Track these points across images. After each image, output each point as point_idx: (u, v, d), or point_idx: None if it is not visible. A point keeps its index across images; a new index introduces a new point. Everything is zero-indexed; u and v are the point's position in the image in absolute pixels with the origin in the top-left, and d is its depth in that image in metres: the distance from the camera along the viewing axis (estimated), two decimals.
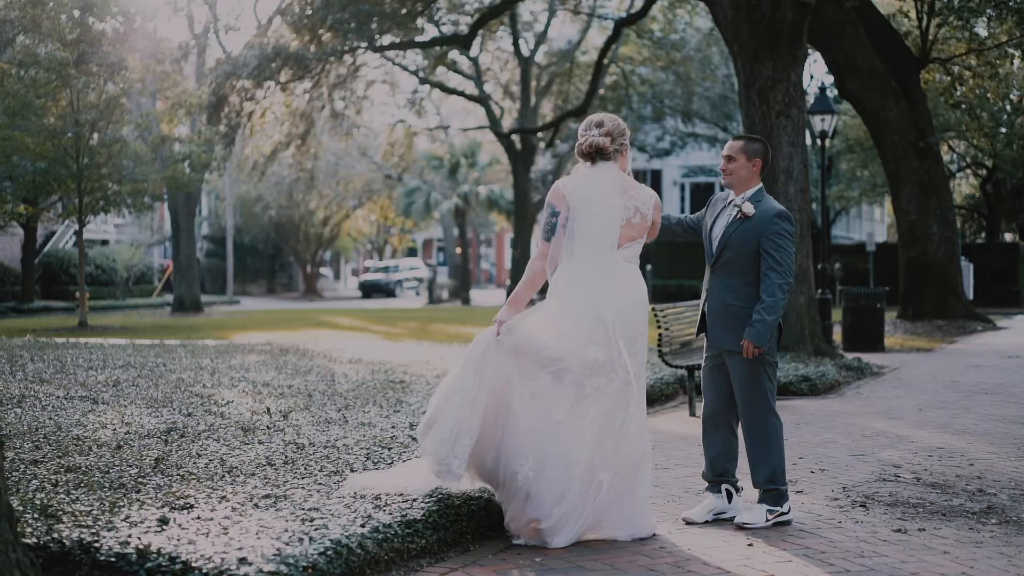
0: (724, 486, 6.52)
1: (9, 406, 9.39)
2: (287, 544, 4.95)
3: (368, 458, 7.11)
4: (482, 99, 42.15)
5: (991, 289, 37.75)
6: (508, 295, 42.67)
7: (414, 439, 7.96)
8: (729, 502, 6.51)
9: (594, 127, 6.18)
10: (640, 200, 6.12)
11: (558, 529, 5.81)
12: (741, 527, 6.27)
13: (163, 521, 5.26)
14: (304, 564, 4.77)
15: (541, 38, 42.83)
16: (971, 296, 32.39)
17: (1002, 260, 39.60)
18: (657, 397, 11.79)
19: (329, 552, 4.94)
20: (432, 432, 5.95)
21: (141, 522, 5.26)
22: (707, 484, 6.61)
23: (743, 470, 6.69)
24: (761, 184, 6.59)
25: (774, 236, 6.33)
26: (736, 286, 6.40)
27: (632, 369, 5.97)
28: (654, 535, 6.06)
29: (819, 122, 22.72)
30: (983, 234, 47.05)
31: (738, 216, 6.41)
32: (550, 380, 5.91)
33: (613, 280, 6.03)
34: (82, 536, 4.96)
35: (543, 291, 6.25)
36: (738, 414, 6.56)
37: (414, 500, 5.89)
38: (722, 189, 6.69)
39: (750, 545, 5.90)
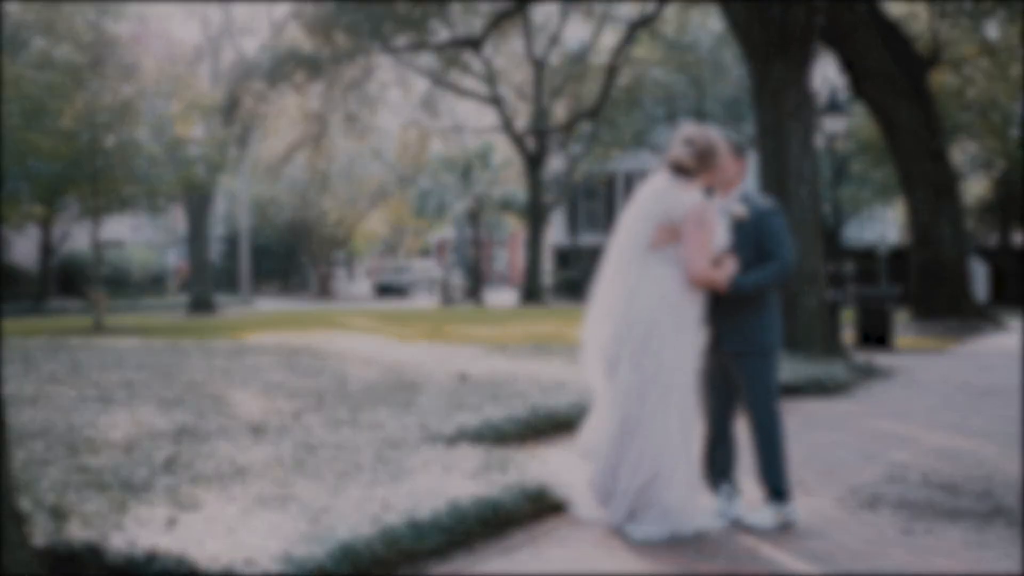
0: (723, 487, 6.53)
1: (23, 406, 9.47)
2: (295, 545, 4.99)
3: (378, 459, 7.14)
4: (495, 101, 42.18)
5: (1004, 291, 37.60)
6: (525, 296, 42.16)
7: (423, 439, 7.99)
8: (728, 503, 6.51)
9: (682, 143, 6.27)
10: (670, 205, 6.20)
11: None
12: (748, 528, 6.28)
13: (172, 521, 5.31)
14: (311, 565, 4.81)
15: (554, 40, 42.84)
16: (984, 298, 32.28)
17: (1015, 261, 39.42)
18: None
19: (336, 553, 4.97)
20: None
21: (150, 522, 5.30)
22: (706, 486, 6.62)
23: (747, 471, 6.70)
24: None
25: (770, 235, 6.36)
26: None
27: (650, 368, 6.03)
28: (698, 533, 6.10)
29: (831, 123, 22.68)
30: (996, 236, 46.83)
31: (732, 223, 6.40)
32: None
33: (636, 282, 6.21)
34: (91, 537, 5.01)
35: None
36: (735, 417, 6.57)
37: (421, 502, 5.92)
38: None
39: (757, 546, 5.91)
